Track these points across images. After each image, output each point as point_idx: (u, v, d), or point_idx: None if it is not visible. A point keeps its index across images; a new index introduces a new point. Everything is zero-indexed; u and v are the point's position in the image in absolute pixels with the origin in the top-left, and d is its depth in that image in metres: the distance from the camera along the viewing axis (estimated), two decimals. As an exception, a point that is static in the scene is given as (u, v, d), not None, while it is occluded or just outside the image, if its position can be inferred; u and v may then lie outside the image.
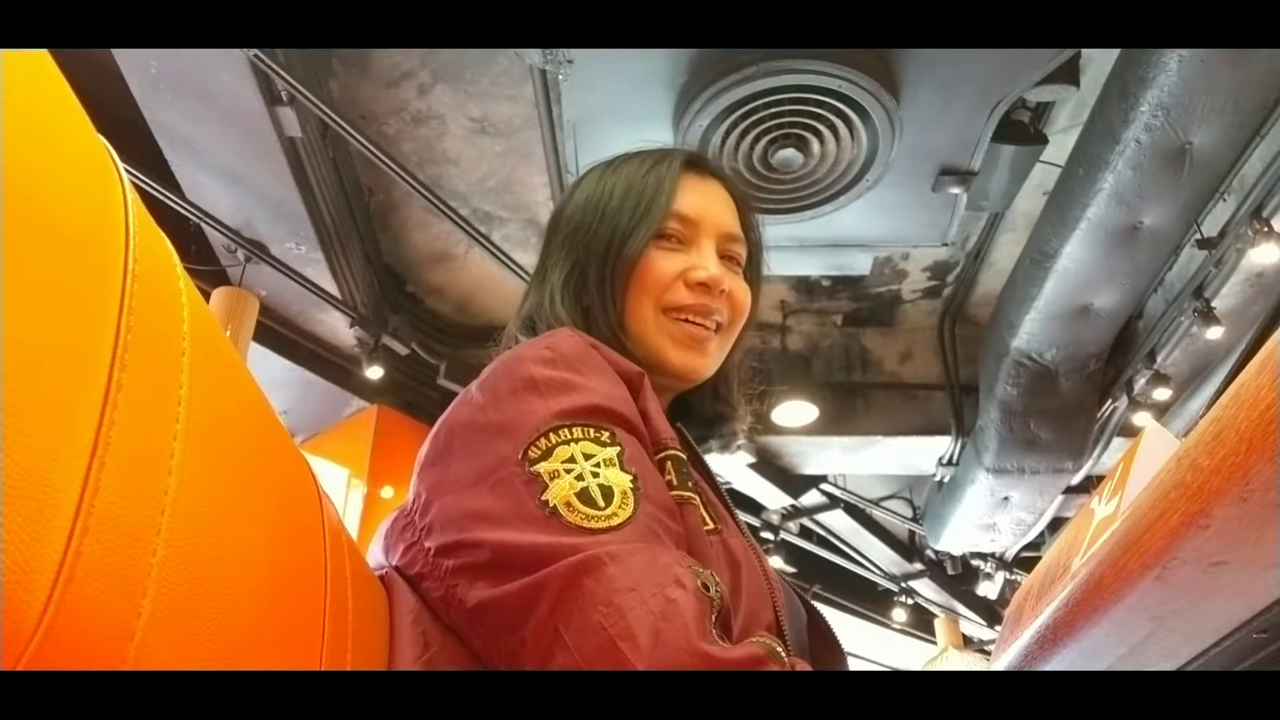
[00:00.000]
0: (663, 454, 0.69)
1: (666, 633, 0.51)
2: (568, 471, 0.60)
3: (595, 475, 0.60)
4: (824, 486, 4.74)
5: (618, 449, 0.63)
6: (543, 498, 0.59)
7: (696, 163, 0.89)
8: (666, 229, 0.83)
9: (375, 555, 0.74)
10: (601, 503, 0.59)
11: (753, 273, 0.91)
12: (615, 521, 0.58)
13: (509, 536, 0.58)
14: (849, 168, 2.72)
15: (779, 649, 0.55)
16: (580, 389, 0.66)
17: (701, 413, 0.92)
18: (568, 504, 0.58)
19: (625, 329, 0.81)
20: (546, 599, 0.55)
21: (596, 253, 0.82)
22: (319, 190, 3.01)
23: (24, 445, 0.29)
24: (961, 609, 5.46)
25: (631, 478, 0.61)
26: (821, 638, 0.78)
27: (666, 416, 0.80)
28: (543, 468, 0.60)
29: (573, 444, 0.62)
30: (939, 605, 5.53)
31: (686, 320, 0.82)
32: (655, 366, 0.80)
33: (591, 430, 0.63)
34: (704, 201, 0.86)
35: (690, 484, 0.70)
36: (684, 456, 0.71)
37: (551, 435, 0.62)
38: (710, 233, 0.85)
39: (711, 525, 0.70)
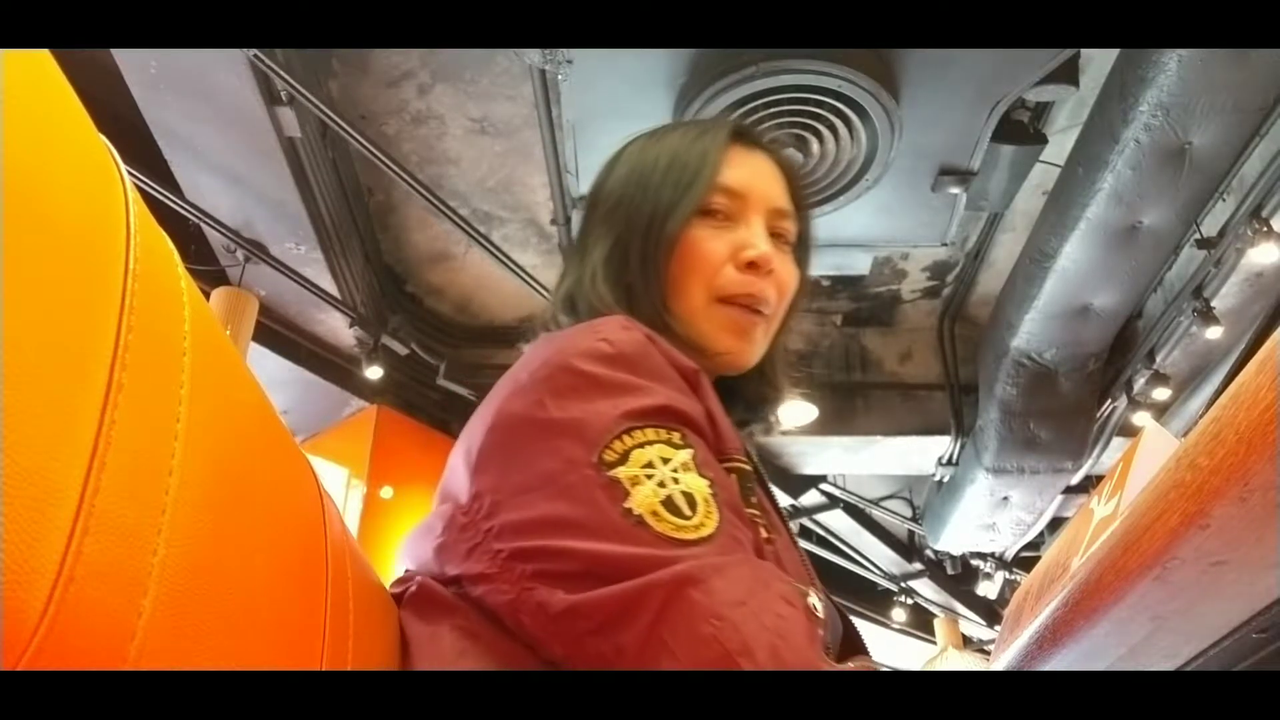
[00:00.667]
0: (730, 464, 0.67)
1: (784, 650, 0.51)
2: (648, 478, 0.58)
3: (676, 481, 0.59)
4: (824, 486, 4.74)
5: (691, 451, 0.61)
6: (625, 505, 0.57)
7: (744, 134, 0.84)
8: (712, 204, 0.79)
9: (405, 562, 0.72)
10: (687, 511, 0.57)
11: (802, 250, 0.87)
12: (704, 533, 0.57)
13: (600, 547, 0.56)
14: (849, 168, 2.72)
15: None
16: (645, 389, 0.63)
17: (744, 394, 0.88)
18: (654, 513, 0.57)
19: (670, 309, 0.78)
20: (650, 608, 0.53)
21: (638, 228, 0.79)
22: (319, 190, 3.01)
23: (24, 445, 0.29)
24: (961, 609, 5.46)
25: (709, 483, 0.60)
26: (852, 647, 0.76)
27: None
28: (621, 473, 0.58)
29: (648, 447, 0.60)
30: (939, 605, 5.53)
31: (735, 305, 0.79)
32: (702, 351, 0.78)
33: (664, 432, 0.61)
34: (751, 175, 0.81)
35: (754, 500, 0.68)
36: (749, 469, 0.69)
37: (625, 438, 0.60)
38: (759, 207, 0.81)
39: (766, 535, 0.68)
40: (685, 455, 0.60)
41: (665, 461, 0.59)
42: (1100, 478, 2.45)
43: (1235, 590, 0.51)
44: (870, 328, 4.33)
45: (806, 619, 0.55)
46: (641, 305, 0.77)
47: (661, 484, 0.58)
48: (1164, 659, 0.60)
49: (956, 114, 2.63)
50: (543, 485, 0.60)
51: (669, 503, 0.57)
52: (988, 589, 5.27)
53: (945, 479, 4.43)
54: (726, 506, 0.60)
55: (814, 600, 0.57)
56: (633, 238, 0.79)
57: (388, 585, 0.73)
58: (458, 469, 0.67)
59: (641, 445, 0.60)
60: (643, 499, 0.57)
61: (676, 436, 0.61)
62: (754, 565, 0.57)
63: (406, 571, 0.73)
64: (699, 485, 0.59)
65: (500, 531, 0.61)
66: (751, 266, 0.78)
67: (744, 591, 0.54)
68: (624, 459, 0.59)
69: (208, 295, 3.09)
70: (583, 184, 3.00)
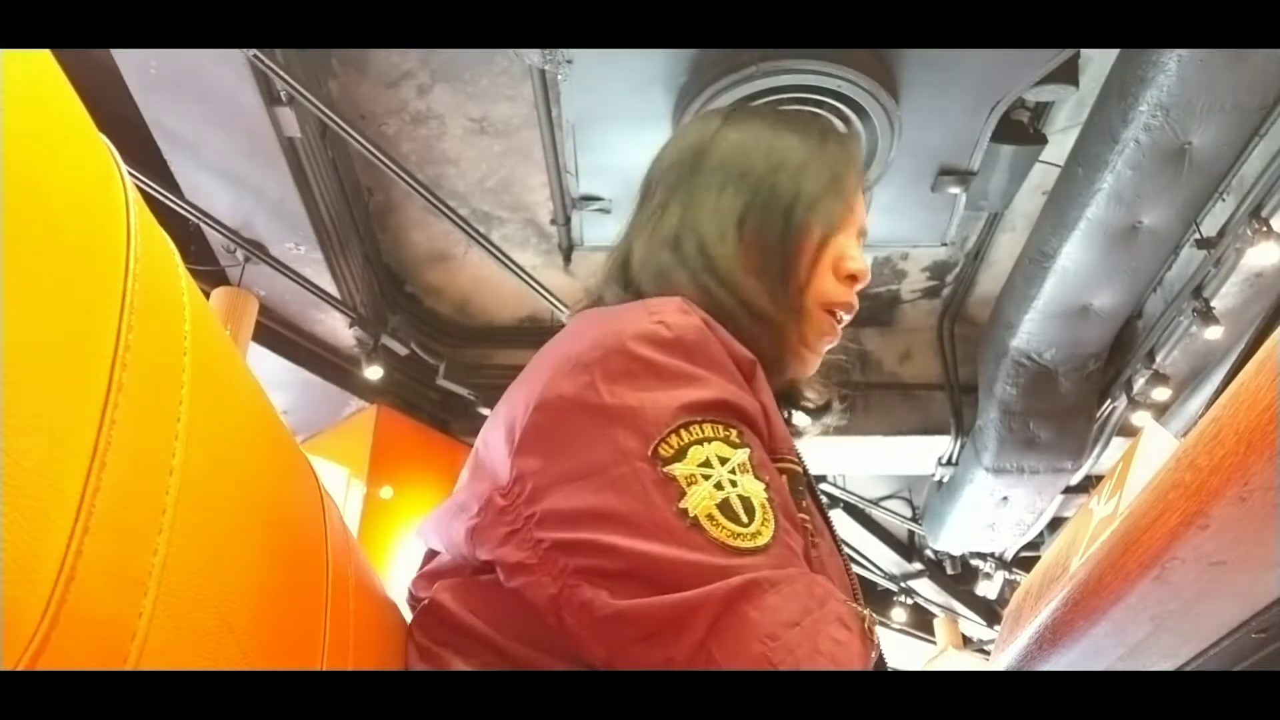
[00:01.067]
0: (779, 463, 0.64)
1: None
2: (705, 478, 0.56)
3: (734, 484, 0.56)
4: (824, 486, 4.74)
5: (748, 451, 0.59)
6: (681, 505, 0.55)
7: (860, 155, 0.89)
8: (845, 210, 0.81)
9: (432, 541, 0.70)
10: (744, 518, 0.55)
11: None
12: (760, 542, 0.55)
13: (651, 548, 0.54)
14: (848, 168, 2.72)
15: None
16: (704, 380, 0.61)
17: (790, 399, 0.88)
18: (710, 517, 0.55)
19: (802, 296, 0.78)
20: (702, 622, 0.52)
21: (778, 209, 0.77)
22: (318, 190, 3.01)
23: (25, 445, 0.29)
24: (961, 609, 5.46)
25: (765, 486, 0.58)
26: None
27: None
28: (678, 470, 0.56)
29: (706, 444, 0.58)
30: (938, 605, 5.53)
31: (831, 315, 0.80)
32: (798, 354, 0.79)
33: (722, 429, 0.59)
34: (858, 193, 0.84)
35: (804, 503, 0.66)
36: (800, 470, 0.67)
37: (683, 432, 0.57)
38: (856, 224, 0.83)
39: (812, 539, 0.66)
40: (743, 455, 0.58)
41: (723, 461, 0.57)
42: (1100, 478, 2.45)
43: (1235, 590, 0.51)
44: (870, 328, 4.33)
45: (862, 643, 0.53)
46: (772, 281, 0.76)
47: (719, 485, 0.56)
48: (1164, 659, 0.60)
49: (956, 114, 2.62)
50: (591, 474, 0.57)
51: (726, 506, 0.55)
52: (988, 589, 5.27)
53: (945, 479, 4.42)
54: (781, 512, 0.58)
55: (869, 623, 0.55)
56: (770, 218, 0.77)
57: (412, 566, 0.72)
58: (496, 445, 0.63)
59: (700, 442, 0.58)
60: (699, 500, 0.55)
61: (734, 434, 0.59)
62: (809, 581, 0.55)
63: (432, 553, 0.70)
64: (756, 489, 0.57)
65: (543, 519, 0.58)
66: (851, 279, 0.81)
67: (800, 609, 0.52)
68: (681, 455, 0.57)
69: (208, 295, 3.09)
70: (583, 184, 2.99)
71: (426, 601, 0.65)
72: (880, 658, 0.69)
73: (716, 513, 0.55)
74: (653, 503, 0.55)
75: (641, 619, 0.53)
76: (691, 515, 0.55)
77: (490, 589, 0.61)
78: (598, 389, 0.59)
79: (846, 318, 0.81)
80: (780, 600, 0.52)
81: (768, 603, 0.52)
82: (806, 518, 0.65)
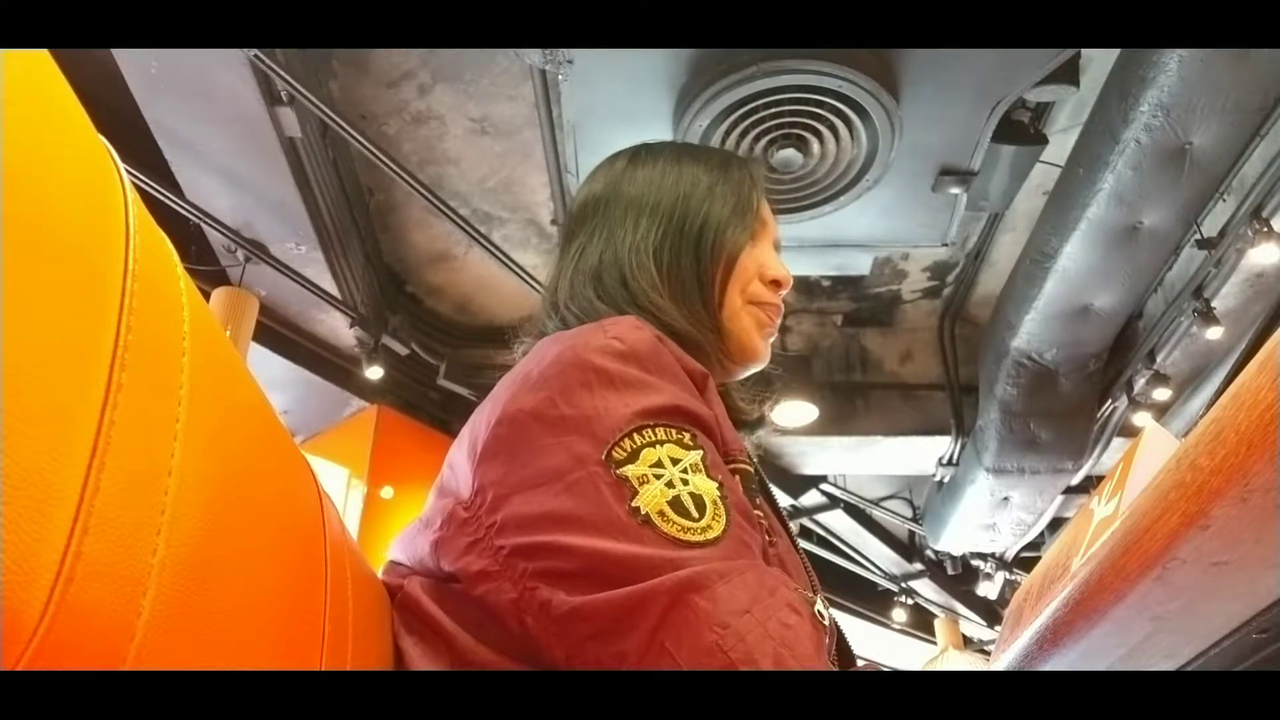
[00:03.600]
0: (733, 466, 0.67)
1: (789, 659, 0.51)
2: (657, 477, 0.58)
3: (685, 482, 0.59)
4: (824, 486, 4.74)
5: (701, 452, 0.61)
6: (633, 504, 0.57)
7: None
8: (754, 227, 0.87)
9: (397, 556, 0.72)
10: (695, 513, 0.57)
11: None
12: (711, 535, 0.56)
13: (602, 545, 0.56)
14: (849, 168, 2.72)
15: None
16: (657, 387, 0.64)
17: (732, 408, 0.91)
18: (661, 513, 0.57)
19: (718, 307, 0.83)
20: (653, 613, 0.53)
21: (690, 235, 0.83)
22: (319, 190, 3.01)
23: (24, 445, 0.29)
24: (961, 609, 5.46)
25: (718, 485, 0.60)
26: (844, 655, 0.76)
27: None
28: (630, 471, 0.58)
29: (658, 446, 0.60)
30: (939, 605, 5.53)
31: (762, 308, 0.86)
32: (736, 352, 0.84)
33: (675, 431, 0.61)
34: (767, 208, 0.91)
35: (756, 501, 0.68)
36: (751, 470, 0.69)
37: (635, 436, 0.60)
38: (770, 236, 0.90)
39: (770, 538, 0.68)
40: (695, 456, 0.60)
41: (675, 462, 0.59)
42: (1100, 478, 2.45)
43: (1235, 590, 0.51)
44: (870, 328, 4.33)
45: (813, 627, 0.54)
46: (692, 303, 0.81)
47: (670, 484, 0.58)
48: (1164, 659, 0.60)
49: (957, 114, 2.62)
50: (549, 481, 0.59)
51: (676, 503, 0.57)
52: (988, 589, 5.27)
53: (945, 479, 4.43)
54: (735, 509, 0.60)
55: (820, 607, 0.56)
56: (684, 244, 0.83)
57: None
58: (459, 464, 0.67)
59: (652, 444, 0.60)
60: (650, 498, 0.57)
61: (687, 437, 0.61)
62: (760, 571, 0.56)
63: (395, 563, 0.73)
64: (708, 487, 0.59)
65: (503, 527, 0.60)
66: (775, 284, 0.87)
67: (749, 598, 0.53)
68: (633, 457, 0.59)
69: (208, 295, 3.09)
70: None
71: (400, 593, 0.68)
72: (840, 641, 0.70)
73: (668, 509, 0.57)
74: (606, 503, 0.57)
75: (595, 614, 0.55)
76: (643, 512, 0.57)
77: (459, 596, 0.63)
78: (555, 401, 0.63)
79: (777, 319, 0.88)
80: (730, 590, 0.53)
81: (718, 593, 0.53)
82: (761, 514, 0.67)
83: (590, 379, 0.63)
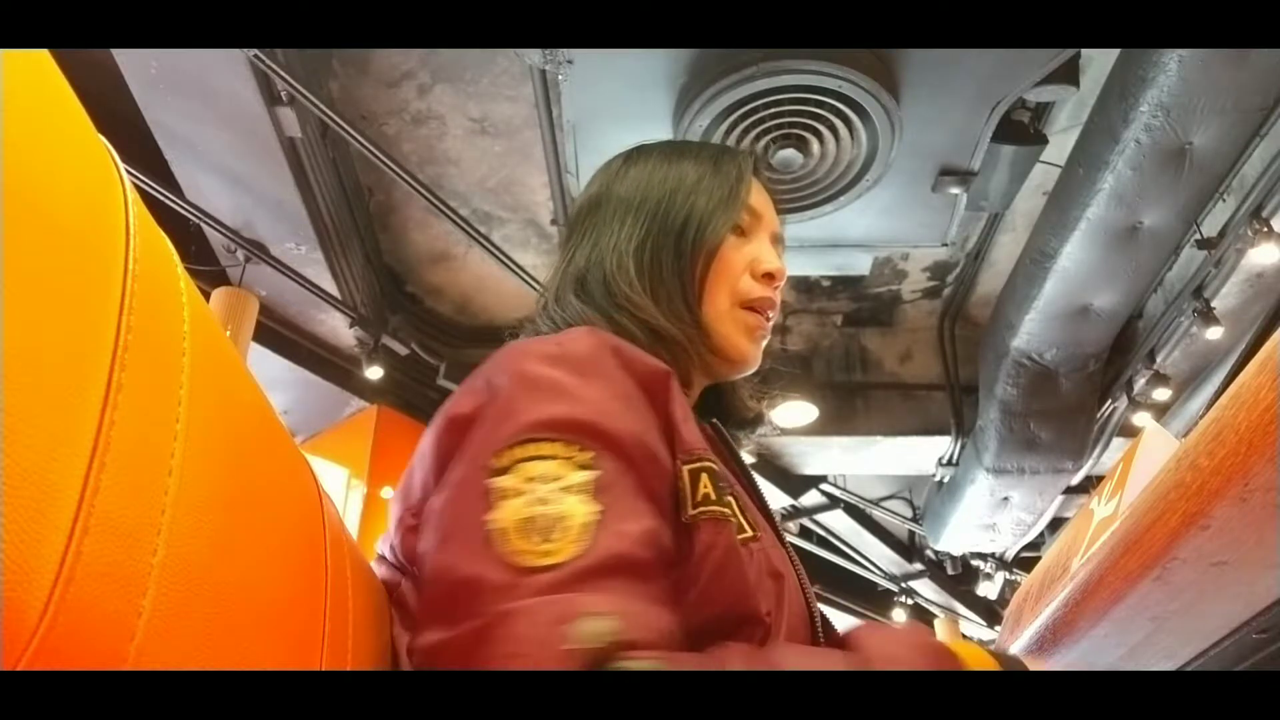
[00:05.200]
0: (695, 465, 0.65)
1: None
2: (521, 493, 0.56)
3: (552, 502, 0.56)
4: (824, 487, 4.74)
5: (593, 474, 0.58)
6: (487, 517, 0.56)
7: (757, 165, 0.92)
8: (741, 221, 0.85)
9: (384, 549, 0.74)
10: (546, 535, 0.55)
11: None
12: (550, 560, 0.54)
13: (449, 559, 0.58)
14: (849, 168, 2.72)
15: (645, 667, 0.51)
16: (573, 397, 0.62)
17: (729, 409, 0.91)
18: (505, 531, 0.55)
19: (700, 309, 0.81)
20: (445, 663, 0.56)
21: (672, 231, 0.82)
22: (319, 190, 3.01)
23: (24, 445, 0.29)
24: (961, 609, 5.46)
25: (598, 510, 0.56)
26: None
27: (698, 411, 0.80)
28: (500, 483, 0.57)
29: (541, 461, 0.58)
30: (939, 605, 5.53)
31: (754, 311, 0.84)
32: (720, 351, 0.81)
33: (571, 448, 0.59)
34: (763, 201, 0.88)
35: (726, 496, 0.66)
36: (717, 468, 0.67)
37: (522, 448, 0.58)
38: (767, 229, 0.87)
39: (750, 533, 0.67)
40: (581, 477, 0.58)
41: (554, 479, 0.57)
42: (1100, 478, 2.45)
43: (1235, 591, 0.51)
44: (870, 328, 4.33)
45: (580, 662, 0.50)
46: (673, 300, 0.79)
47: (533, 502, 0.56)
48: (1164, 659, 0.60)
49: (957, 114, 2.62)
50: (452, 482, 0.61)
51: (527, 523, 0.55)
52: (988, 589, 5.27)
53: (945, 479, 4.42)
54: (611, 534, 0.56)
55: (600, 631, 0.51)
56: (665, 239, 0.81)
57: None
58: (417, 468, 0.69)
59: (536, 458, 0.58)
60: (503, 514, 0.56)
61: (585, 456, 0.59)
62: (561, 607, 0.52)
63: (381, 558, 0.75)
64: (577, 511, 0.56)
65: (422, 527, 0.63)
66: (768, 277, 0.84)
67: (531, 641, 0.51)
68: (511, 468, 0.58)
69: (208, 295, 3.09)
70: (583, 184, 2.98)
71: (396, 591, 0.69)
72: (831, 635, 0.71)
73: (513, 528, 0.55)
74: (470, 511, 0.58)
75: (423, 658, 0.58)
76: (491, 528, 0.56)
77: None
78: (480, 404, 0.64)
79: (772, 314, 0.85)
80: (506, 632, 0.52)
81: (495, 636, 0.52)
82: (726, 509, 0.65)
83: (512, 383, 0.63)
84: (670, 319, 0.77)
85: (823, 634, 0.70)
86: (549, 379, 0.63)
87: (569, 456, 0.59)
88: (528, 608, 0.52)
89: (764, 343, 0.85)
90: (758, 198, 0.87)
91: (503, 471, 0.58)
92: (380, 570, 0.72)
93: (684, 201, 0.83)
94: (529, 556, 0.54)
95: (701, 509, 0.64)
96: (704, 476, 0.65)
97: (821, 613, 0.73)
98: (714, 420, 0.85)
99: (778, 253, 0.89)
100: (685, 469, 0.65)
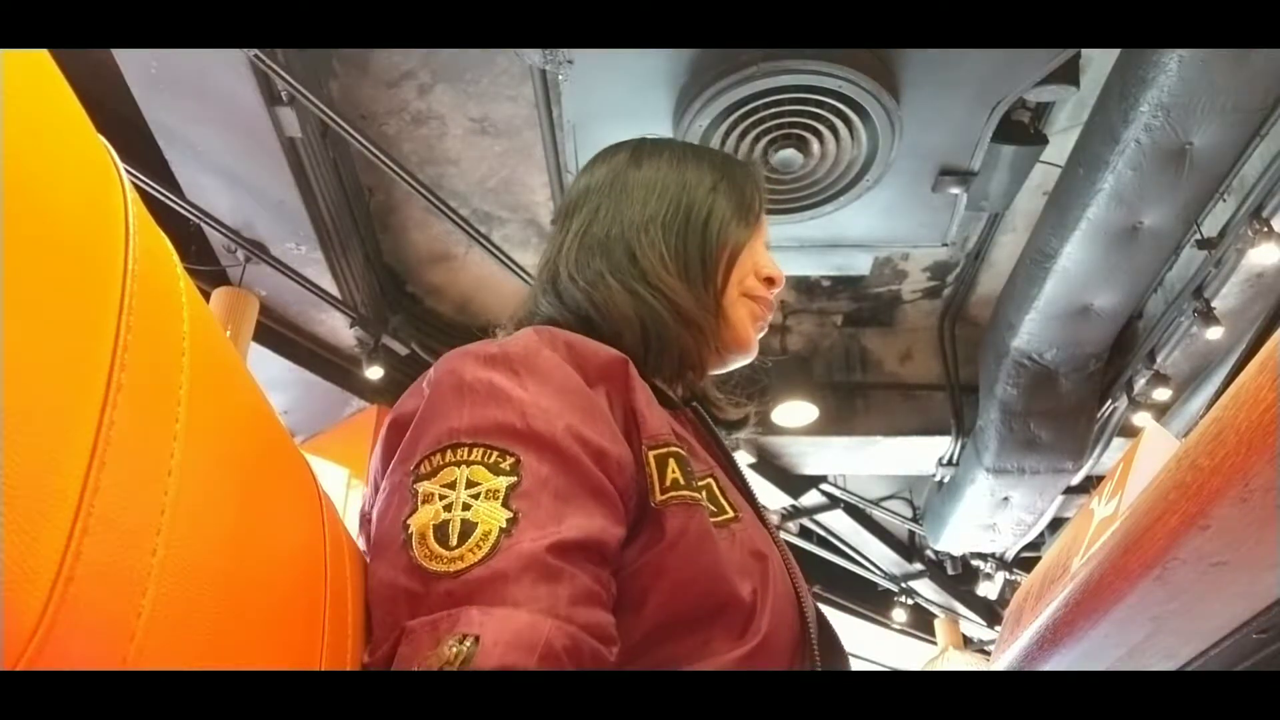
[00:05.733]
0: (662, 450, 0.66)
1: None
2: (441, 498, 0.57)
3: (466, 508, 0.56)
4: (824, 487, 4.74)
5: (511, 480, 0.58)
6: (405, 521, 0.57)
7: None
8: (755, 226, 0.89)
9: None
10: (454, 541, 0.55)
11: None
12: (455, 567, 0.54)
13: (374, 564, 0.59)
14: (849, 168, 2.72)
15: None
16: (505, 401, 0.61)
17: (719, 411, 0.92)
18: (421, 536, 0.56)
19: (719, 293, 0.84)
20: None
21: (698, 223, 0.84)
22: (319, 190, 3.01)
23: (24, 446, 0.29)
24: (961, 609, 5.46)
25: (509, 515, 0.56)
26: (826, 638, 0.74)
27: (682, 399, 0.82)
28: (421, 487, 0.58)
29: (462, 466, 0.58)
30: (939, 605, 5.53)
31: (756, 301, 0.87)
32: (730, 339, 0.85)
33: (494, 454, 0.59)
34: (763, 213, 0.93)
35: (698, 481, 0.67)
36: (683, 453, 0.67)
37: (446, 453, 0.59)
38: (763, 237, 0.91)
39: (731, 514, 0.68)
40: (498, 483, 0.57)
41: (470, 485, 0.57)
42: (1101, 478, 2.45)
43: (1235, 591, 0.51)
44: (870, 328, 4.33)
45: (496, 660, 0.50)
46: (696, 285, 0.82)
47: (448, 507, 0.57)
48: (1164, 659, 0.60)
49: (957, 114, 2.62)
50: (384, 489, 0.62)
51: (440, 529, 0.56)
52: (988, 589, 5.27)
53: (945, 479, 4.42)
54: (524, 539, 0.55)
55: (462, 646, 0.51)
56: (692, 230, 0.84)
57: None
58: (370, 473, 0.70)
59: (458, 464, 0.59)
60: (420, 519, 0.57)
61: (507, 462, 0.58)
62: (448, 623, 0.52)
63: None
64: (490, 517, 0.56)
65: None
66: (769, 281, 0.88)
67: (408, 655, 0.52)
68: (433, 474, 0.59)
69: (208, 295, 3.09)
70: (583, 184, 2.98)
71: None
72: (826, 635, 0.70)
73: (429, 533, 0.56)
74: (392, 514, 0.59)
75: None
76: (408, 533, 0.57)
77: None
78: (415, 407, 0.64)
79: (769, 312, 0.89)
80: (408, 651, 0.53)
81: (400, 655, 0.53)
82: (697, 495, 0.65)
83: (445, 388, 0.64)
84: (696, 302, 0.80)
85: (816, 625, 0.70)
86: (482, 382, 0.63)
87: (489, 462, 0.59)
88: (414, 629, 0.53)
89: (761, 335, 0.89)
90: (761, 208, 0.92)
91: (425, 477, 0.59)
92: None
93: (705, 198, 0.86)
94: (436, 563, 0.55)
95: (671, 494, 0.64)
96: (671, 462, 0.65)
97: (817, 606, 0.73)
98: (694, 404, 0.85)
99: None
100: (651, 454, 0.65)
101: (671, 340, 0.78)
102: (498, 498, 0.57)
